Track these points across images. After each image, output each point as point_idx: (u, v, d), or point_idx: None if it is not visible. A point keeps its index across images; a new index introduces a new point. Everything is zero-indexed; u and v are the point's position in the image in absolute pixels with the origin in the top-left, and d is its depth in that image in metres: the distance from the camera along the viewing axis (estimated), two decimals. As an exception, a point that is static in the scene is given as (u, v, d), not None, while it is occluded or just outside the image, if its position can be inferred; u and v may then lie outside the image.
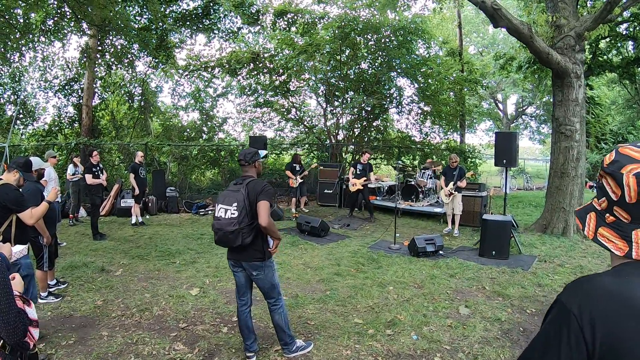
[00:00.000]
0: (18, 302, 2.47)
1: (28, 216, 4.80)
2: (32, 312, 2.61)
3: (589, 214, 1.38)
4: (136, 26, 17.92)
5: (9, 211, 4.72)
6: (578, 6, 12.06)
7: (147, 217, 13.57)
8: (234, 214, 4.16)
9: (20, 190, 4.96)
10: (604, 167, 1.30)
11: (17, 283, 2.71)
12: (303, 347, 4.78)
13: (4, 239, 4.64)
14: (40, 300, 6.09)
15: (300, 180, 14.31)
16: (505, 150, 9.96)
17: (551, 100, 12.61)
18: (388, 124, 21.52)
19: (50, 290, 6.53)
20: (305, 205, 15.62)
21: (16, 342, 2.37)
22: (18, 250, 3.88)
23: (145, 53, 19.17)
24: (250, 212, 4.20)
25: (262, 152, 4.64)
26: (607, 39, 15.21)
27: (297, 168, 14.42)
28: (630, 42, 16.53)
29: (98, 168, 10.78)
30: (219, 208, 4.30)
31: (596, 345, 1.12)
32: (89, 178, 10.48)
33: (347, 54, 17.89)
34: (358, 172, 13.18)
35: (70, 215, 12.30)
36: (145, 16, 18.70)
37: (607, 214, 1.31)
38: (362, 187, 13.06)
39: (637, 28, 14.57)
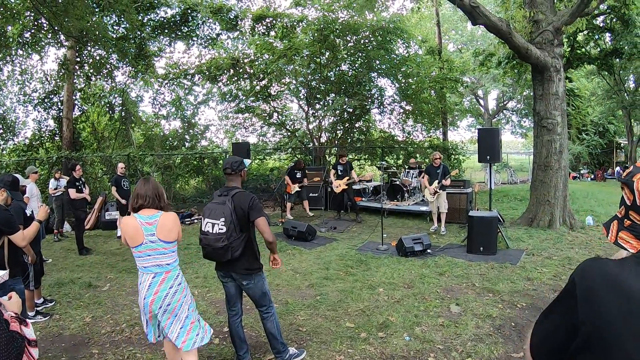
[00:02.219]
0: (14, 324, 2.43)
1: (20, 238, 4.64)
2: (29, 332, 2.57)
3: (613, 222, 1.53)
4: (114, 36, 17.77)
5: (0, 233, 4.59)
6: (555, 1, 12.18)
7: (133, 228, 13.42)
8: (222, 229, 4.10)
9: (9, 210, 4.82)
10: (621, 179, 1.46)
11: (13, 303, 2.66)
12: (296, 355, 4.74)
13: None
14: (28, 320, 5.98)
15: (299, 189, 14.24)
16: (489, 147, 9.99)
17: (531, 94, 12.74)
18: (370, 124, 21.63)
19: (38, 309, 6.44)
20: (310, 209, 15.21)
21: None
22: None
23: (124, 63, 19.02)
24: (239, 226, 4.15)
25: (247, 162, 4.59)
26: (585, 32, 15.36)
27: (298, 175, 14.28)
28: (608, 34, 16.72)
29: (81, 182, 10.69)
30: (206, 222, 4.24)
31: (586, 315, 1.23)
32: (72, 192, 10.39)
33: (326, 56, 17.90)
34: (339, 173, 13.19)
35: (55, 231, 12.16)
36: (122, 25, 18.55)
37: (625, 219, 1.47)
38: (346, 187, 13.07)
39: (614, 20, 14.72)
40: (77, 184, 10.53)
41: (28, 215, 5.66)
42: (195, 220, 14.39)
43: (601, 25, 15.73)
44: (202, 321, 4.18)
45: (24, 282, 5.76)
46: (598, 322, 1.20)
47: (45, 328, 5.89)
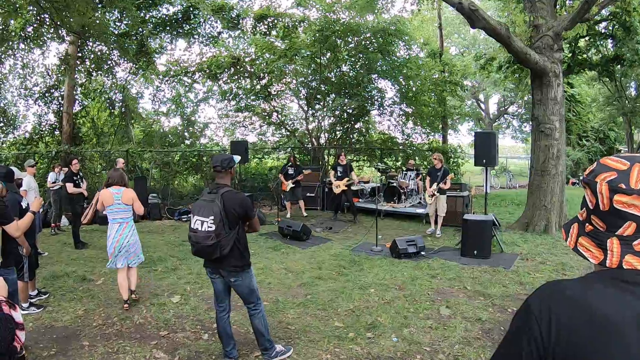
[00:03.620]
0: (4, 307, 2.46)
1: (14, 228, 4.67)
2: (18, 315, 2.61)
3: (573, 225, 1.40)
4: (115, 32, 17.79)
5: None
6: (556, 6, 12.19)
7: (130, 224, 13.43)
8: (211, 227, 4.14)
9: (4, 201, 4.84)
10: (583, 178, 1.33)
11: (1, 287, 2.70)
12: (283, 352, 4.77)
13: None
14: (21, 312, 6.00)
15: (292, 185, 13.96)
16: (485, 150, 9.99)
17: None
18: (370, 126, 21.60)
19: (32, 301, 6.44)
20: (306, 210, 14.80)
21: (5, 348, 2.36)
22: None
23: (125, 59, 19.04)
24: (228, 224, 4.19)
25: (237, 158, 4.61)
26: (587, 38, 15.38)
27: (290, 172, 14.05)
28: (610, 41, 16.72)
29: (78, 176, 10.68)
30: (195, 220, 4.28)
31: (551, 345, 1.17)
32: (69, 187, 10.37)
33: (327, 56, 17.91)
34: (339, 174, 13.15)
35: (52, 225, 12.15)
36: (124, 22, 18.56)
37: (587, 224, 1.33)
38: (345, 188, 13.05)
39: (616, 26, 14.72)
40: (75, 178, 10.52)
41: (24, 207, 5.68)
42: (192, 218, 14.38)
43: (603, 31, 15.75)
44: (141, 255, 6.78)
45: (19, 273, 5.77)
46: (570, 352, 1.15)
47: (38, 319, 5.90)
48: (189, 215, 14.21)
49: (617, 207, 1.21)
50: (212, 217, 4.14)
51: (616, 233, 1.23)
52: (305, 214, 14.15)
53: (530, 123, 12.97)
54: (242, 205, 4.27)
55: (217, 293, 4.60)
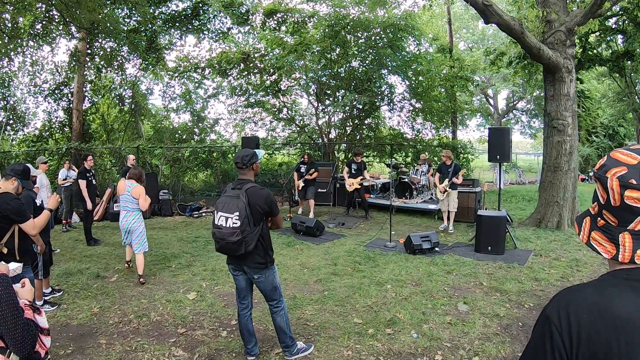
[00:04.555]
0: (28, 312, 2.44)
1: (31, 226, 4.64)
2: (42, 320, 2.58)
3: (585, 219, 1.40)
4: (125, 28, 17.80)
5: (11, 222, 4.57)
6: (568, 1, 12.11)
7: (141, 220, 13.45)
8: (236, 223, 4.06)
9: (20, 199, 4.81)
10: (594, 172, 1.33)
11: (26, 291, 2.66)
12: (304, 349, 4.75)
13: (8, 251, 4.56)
14: (41, 309, 5.97)
15: (303, 184, 13.72)
16: (499, 146, 9.96)
17: (542, 94, 12.69)
18: (380, 121, 21.56)
19: (46, 298, 6.42)
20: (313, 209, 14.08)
21: (26, 355, 2.34)
22: (12, 269, 3.77)
23: (135, 55, 19.07)
24: (253, 220, 4.12)
25: (260, 153, 4.56)
26: (597, 33, 15.26)
27: (302, 170, 13.81)
28: (620, 36, 16.62)
29: (91, 173, 10.69)
30: (219, 216, 4.19)
31: (574, 351, 1.19)
32: (82, 184, 10.38)
33: (337, 52, 17.86)
34: (353, 172, 13.11)
35: (63, 221, 12.17)
36: (134, 18, 18.59)
37: (599, 218, 1.33)
38: (359, 187, 13.02)
39: (627, 22, 14.61)
40: (88, 175, 10.53)
41: (38, 204, 5.67)
42: (204, 214, 14.40)
43: (613, 26, 15.64)
44: (145, 243, 7.71)
45: (33, 271, 5.75)
46: (594, 355, 1.16)
47: (53, 317, 5.87)
48: (200, 212, 14.39)
49: (628, 202, 1.22)
50: (237, 213, 4.07)
51: (628, 228, 1.25)
52: (312, 215, 13.90)
53: (541, 119, 12.90)
54: (266, 201, 4.20)
55: (240, 290, 4.56)
